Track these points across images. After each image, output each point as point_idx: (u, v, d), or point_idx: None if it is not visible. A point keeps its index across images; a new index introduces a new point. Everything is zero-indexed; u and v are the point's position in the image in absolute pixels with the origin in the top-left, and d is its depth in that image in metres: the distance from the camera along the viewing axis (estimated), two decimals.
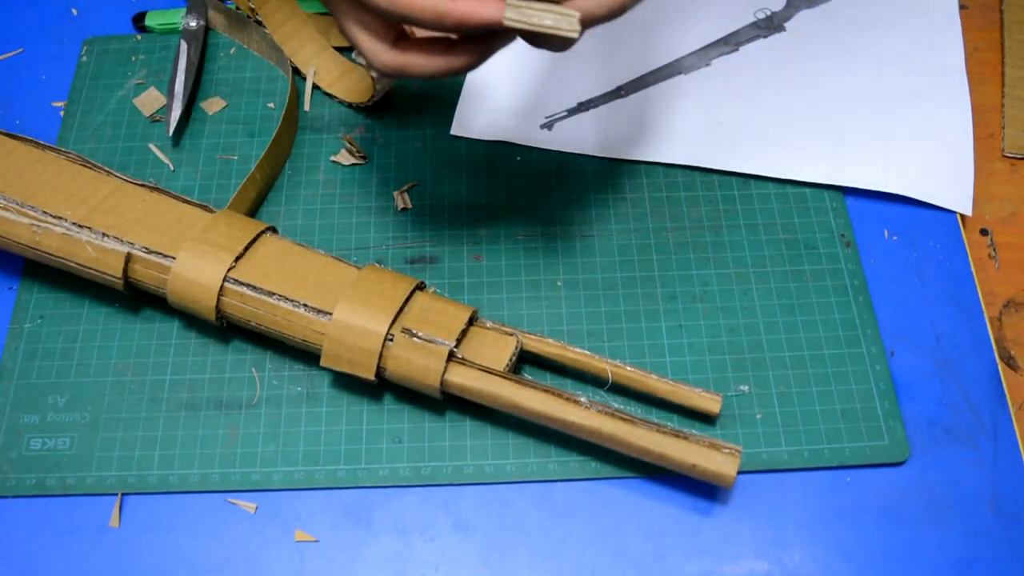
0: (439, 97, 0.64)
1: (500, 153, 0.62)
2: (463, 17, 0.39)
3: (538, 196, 0.60)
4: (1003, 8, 0.69)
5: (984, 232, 0.59)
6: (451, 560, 0.49)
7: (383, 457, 0.51)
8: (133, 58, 0.66)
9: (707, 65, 0.65)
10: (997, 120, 0.64)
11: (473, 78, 0.65)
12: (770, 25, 0.67)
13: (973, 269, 0.57)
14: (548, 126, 0.63)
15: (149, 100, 0.64)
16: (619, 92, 0.64)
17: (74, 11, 0.69)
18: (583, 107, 0.64)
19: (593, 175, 0.61)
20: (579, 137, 0.62)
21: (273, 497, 0.50)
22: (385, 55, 0.43)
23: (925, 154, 0.60)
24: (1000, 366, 0.54)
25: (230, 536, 0.49)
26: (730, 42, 0.66)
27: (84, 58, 0.66)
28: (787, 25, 0.67)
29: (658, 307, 0.56)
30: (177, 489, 0.50)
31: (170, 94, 0.62)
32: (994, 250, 0.60)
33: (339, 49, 0.66)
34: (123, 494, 0.50)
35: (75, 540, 0.49)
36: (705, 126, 0.62)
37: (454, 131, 0.63)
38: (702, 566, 0.48)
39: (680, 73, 0.65)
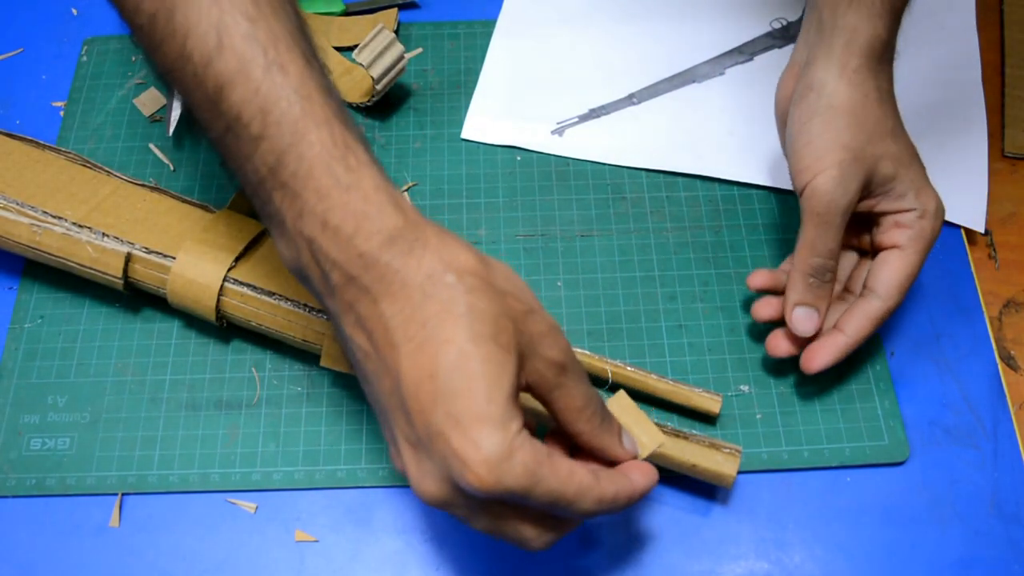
0: (439, 97, 0.64)
1: (500, 153, 0.62)
2: (631, 495, 0.39)
3: (538, 196, 0.60)
4: (1003, 8, 0.69)
5: (984, 232, 0.58)
6: (451, 560, 0.49)
7: (383, 457, 0.51)
8: (133, 58, 0.66)
9: (721, 74, 0.65)
10: (997, 120, 0.64)
11: (485, 83, 0.65)
12: (785, 35, 0.66)
13: (973, 269, 0.57)
14: (559, 132, 0.62)
15: (149, 100, 0.64)
16: (631, 99, 0.64)
17: (74, 11, 0.69)
18: (595, 114, 0.63)
19: (593, 175, 0.61)
20: (590, 144, 0.62)
21: (273, 497, 0.50)
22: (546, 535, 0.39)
23: (939, 170, 0.59)
24: (1000, 366, 0.54)
25: (230, 536, 0.49)
26: (745, 51, 0.65)
27: (84, 58, 0.66)
28: None
29: (658, 307, 0.56)
30: (177, 489, 0.50)
31: (170, 94, 0.62)
32: (994, 250, 0.60)
33: (339, 49, 0.66)
34: (123, 494, 0.50)
35: (75, 540, 0.49)
36: (718, 136, 0.62)
37: (465, 135, 0.62)
38: (702, 566, 0.48)
39: (694, 81, 0.64)
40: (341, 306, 0.37)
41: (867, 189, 0.48)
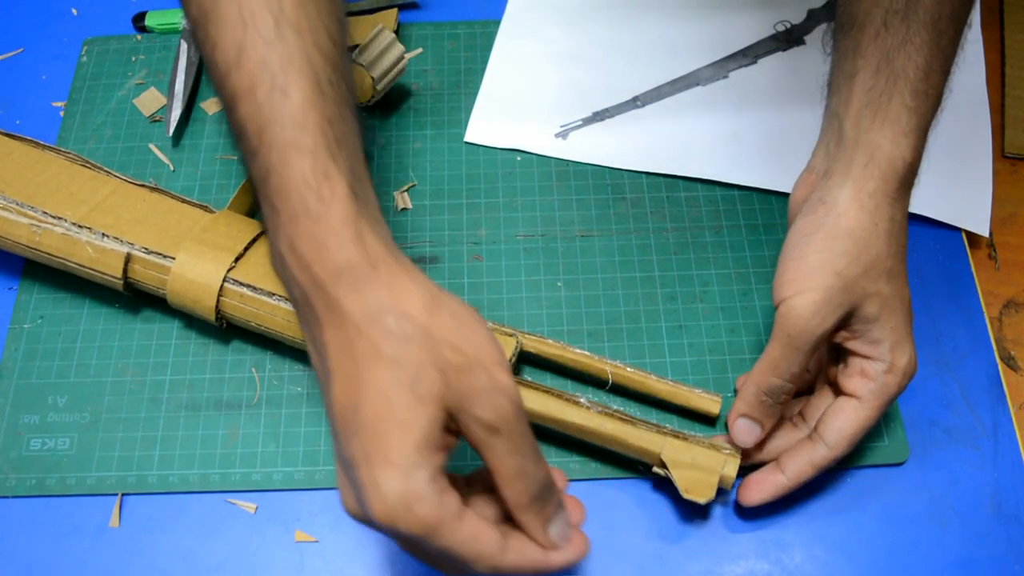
0: (439, 98, 0.64)
1: (500, 153, 0.62)
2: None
3: (538, 196, 0.60)
4: (1003, 8, 0.69)
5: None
6: None
7: None
8: (133, 58, 0.66)
9: (725, 77, 0.64)
10: (997, 120, 0.64)
11: (488, 87, 0.64)
12: (789, 38, 0.66)
13: (973, 269, 0.57)
14: (563, 135, 0.62)
15: (149, 100, 0.64)
16: (635, 102, 0.64)
17: (74, 11, 0.69)
18: (599, 117, 0.63)
19: (593, 175, 0.61)
20: (594, 147, 0.62)
21: (273, 497, 0.50)
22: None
23: (943, 173, 0.59)
24: (1000, 366, 0.54)
25: (230, 536, 0.49)
26: (749, 54, 0.65)
27: (84, 58, 0.66)
28: (806, 38, 0.66)
29: (658, 307, 0.56)
30: (177, 489, 0.50)
31: (170, 94, 0.62)
32: (994, 250, 0.60)
33: None
34: (123, 494, 0.50)
35: (75, 540, 0.49)
36: (722, 139, 0.62)
37: (468, 138, 0.62)
38: (702, 566, 0.48)
39: (698, 84, 0.64)
40: (301, 319, 0.40)
41: (846, 322, 0.45)
